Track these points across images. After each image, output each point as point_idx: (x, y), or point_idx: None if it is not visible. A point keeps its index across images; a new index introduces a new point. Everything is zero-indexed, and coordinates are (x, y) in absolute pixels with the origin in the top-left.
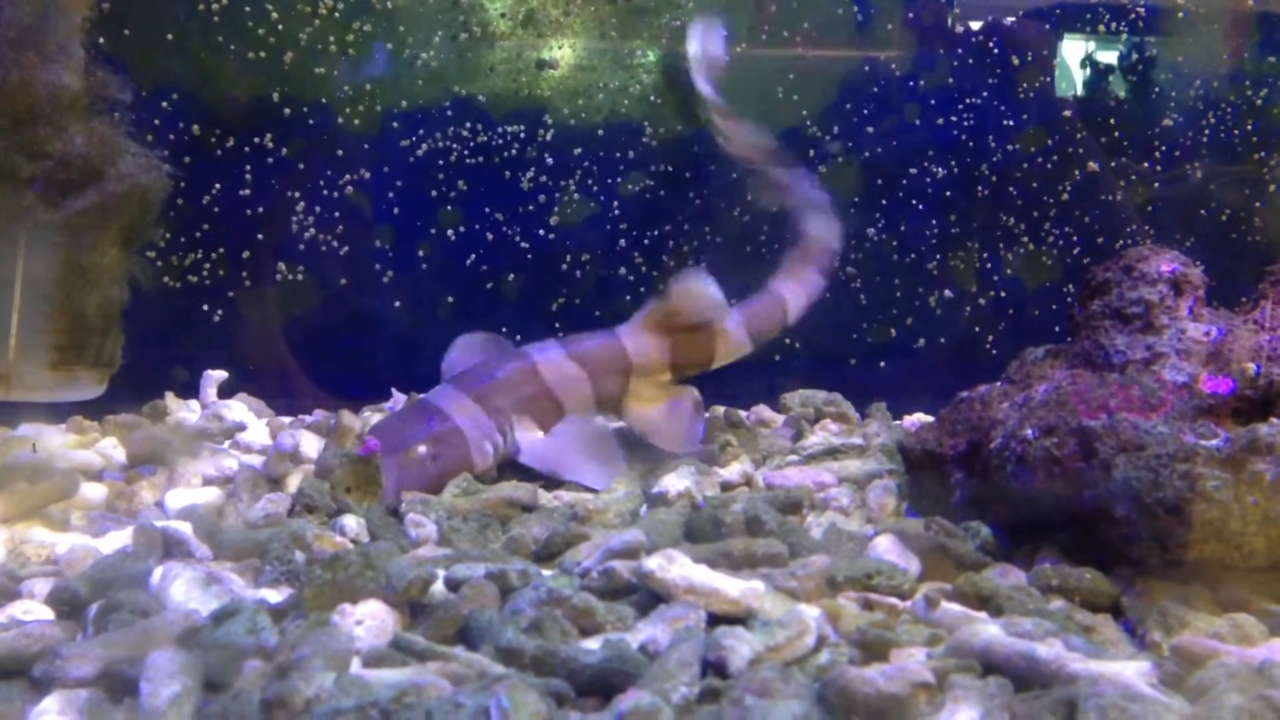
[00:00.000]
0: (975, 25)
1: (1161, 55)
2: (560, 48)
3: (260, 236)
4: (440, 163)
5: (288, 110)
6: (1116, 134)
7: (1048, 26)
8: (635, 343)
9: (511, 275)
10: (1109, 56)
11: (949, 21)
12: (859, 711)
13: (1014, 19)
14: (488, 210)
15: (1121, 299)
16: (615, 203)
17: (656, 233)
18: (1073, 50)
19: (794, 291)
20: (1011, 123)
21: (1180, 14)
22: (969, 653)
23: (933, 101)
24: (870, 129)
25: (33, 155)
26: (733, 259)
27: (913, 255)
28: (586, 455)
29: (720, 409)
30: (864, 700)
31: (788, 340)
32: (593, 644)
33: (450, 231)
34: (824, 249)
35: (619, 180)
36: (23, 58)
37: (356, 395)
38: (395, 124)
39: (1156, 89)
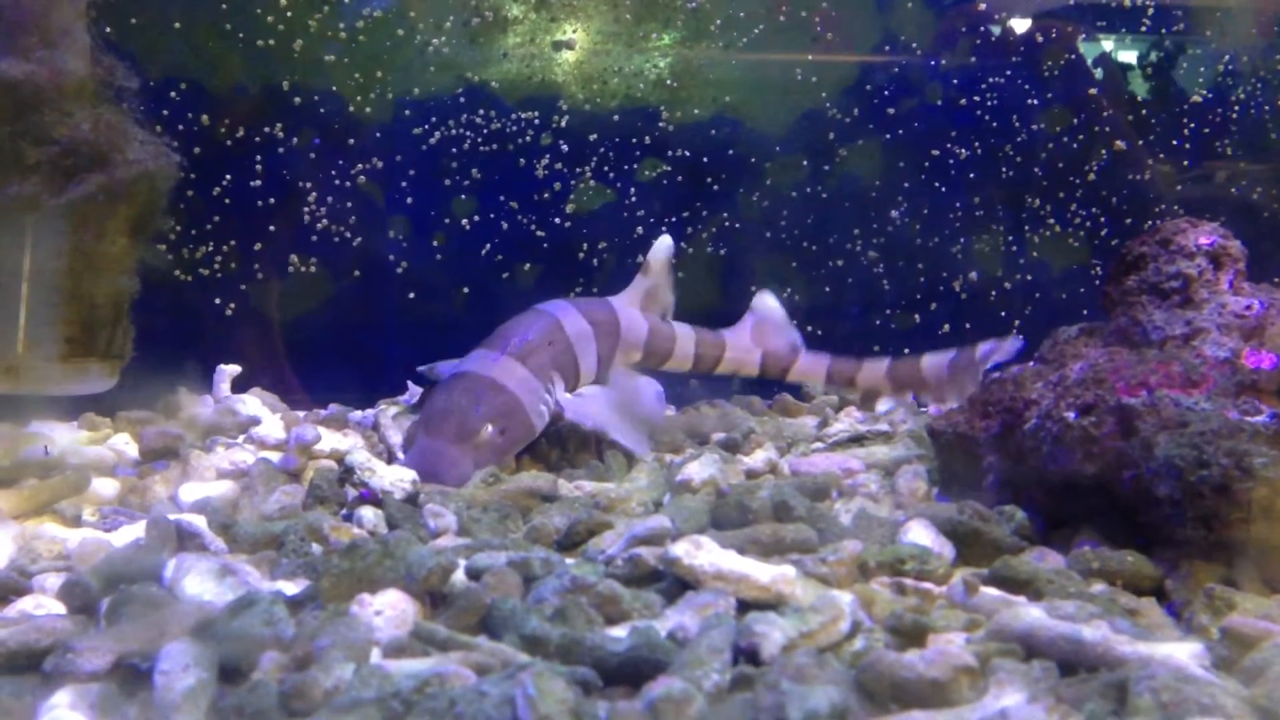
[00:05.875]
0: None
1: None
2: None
3: (272, 227)
4: (453, 151)
5: (298, 99)
6: (1144, 111)
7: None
8: (625, 315)
9: (528, 265)
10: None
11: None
12: (898, 697)
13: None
14: (502, 199)
15: (1159, 273)
16: (631, 189)
17: (674, 219)
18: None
19: (735, 347)
20: (1037, 102)
21: None
22: (1011, 636)
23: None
24: (891, 110)
25: (38, 141)
26: (749, 243)
27: (937, 239)
28: (634, 415)
29: (744, 397)
30: (904, 685)
31: (810, 326)
32: (619, 632)
33: (464, 221)
34: (778, 342)
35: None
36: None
37: (371, 388)
38: (407, 112)
39: (1184, 65)
